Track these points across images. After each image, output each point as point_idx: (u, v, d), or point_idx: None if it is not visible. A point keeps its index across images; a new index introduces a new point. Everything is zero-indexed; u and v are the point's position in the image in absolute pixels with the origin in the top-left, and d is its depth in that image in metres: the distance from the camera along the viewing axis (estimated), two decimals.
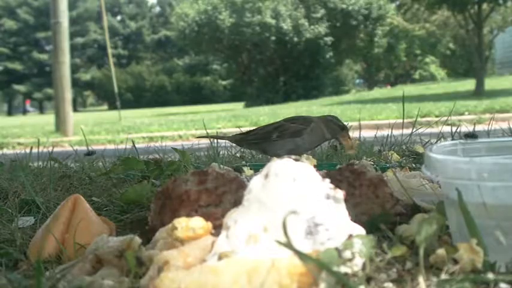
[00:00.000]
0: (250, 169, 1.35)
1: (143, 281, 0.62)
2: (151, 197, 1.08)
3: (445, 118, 2.71)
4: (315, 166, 1.16)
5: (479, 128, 2.15)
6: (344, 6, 22.12)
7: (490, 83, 15.41)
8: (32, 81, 39.89)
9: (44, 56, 39.67)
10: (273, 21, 21.15)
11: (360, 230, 0.65)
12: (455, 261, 0.62)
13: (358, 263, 0.60)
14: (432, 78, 31.02)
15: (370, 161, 1.54)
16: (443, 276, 0.61)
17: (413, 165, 1.48)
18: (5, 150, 5.22)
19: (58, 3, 8.78)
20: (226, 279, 0.55)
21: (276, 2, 21.84)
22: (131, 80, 37.61)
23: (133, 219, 1.04)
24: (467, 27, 14.35)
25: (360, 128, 2.18)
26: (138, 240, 0.69)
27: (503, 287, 0.58)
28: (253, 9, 21.30)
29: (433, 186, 1.00)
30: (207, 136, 1.77)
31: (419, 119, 2.49)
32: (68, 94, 9.10)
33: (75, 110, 22.79)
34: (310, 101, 17.35)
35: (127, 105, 28.94)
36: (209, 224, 0.71)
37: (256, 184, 0.66)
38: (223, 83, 36.90)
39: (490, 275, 0.60)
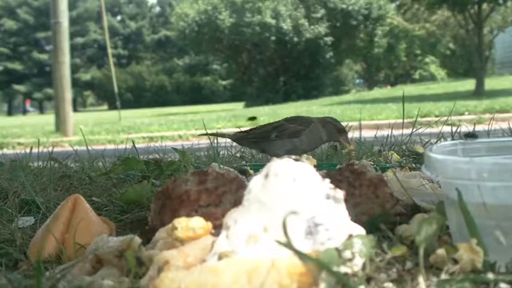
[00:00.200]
0: (250, 169, 1.35)
1: (143, 281, 0.62)
2: (151, 197, 1.08)
3: (445, 118, 2.71)
4: (315, 166, 1.16)
5: (479, 128, 2.15)
6: (344, 6, 22.12)
7: (490, 83, 15.41)
8: (32, 81, 39.89)
9: (44, 56, 39.67)
10: (273, 21, 21.15)
11: (360, 230, 0.65)
12: (455, 261, 0.62)
13: (358, 263, 0.60)
14: (432, 78, 31.03)
15: (370, 161, 1.54)
16: (443, 276, 0.61)
17: (413, 165, 1.48)
18: (5, 150, 5.22)
19: (58, 3, 8.78)
20: (226, 279, 0.55)
21: (276, 2, 21.84)
22: (131, 80, 37.61)
23: (133, 219, 1.04)
24: (467, 27, 14.35)
25: (360, 128, 2.18)
26: (138, 240, 0.69)
27: (503, 287, 0.58)
28: (253, 9, 21.30)
29: (433, 186, 1.00)
30: (208, 134, 1.76)
31: (419, 119, 2.49)
32: (68, 94, 9.10)
33: (75, 110, 22.79)
34: (310, 101, 17.35)
35: (127, 105, 28.93)
36: (209, 224, 0.71)
37: (256, 184, 0.66)
38: (223, 83, 36.90)
39: (490, 275, 0.60)
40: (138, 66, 40.00)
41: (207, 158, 1.80)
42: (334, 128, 1.49)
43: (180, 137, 7.75)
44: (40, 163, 1.80)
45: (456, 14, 14.42)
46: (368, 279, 0.61)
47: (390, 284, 0.61)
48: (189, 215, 0.75)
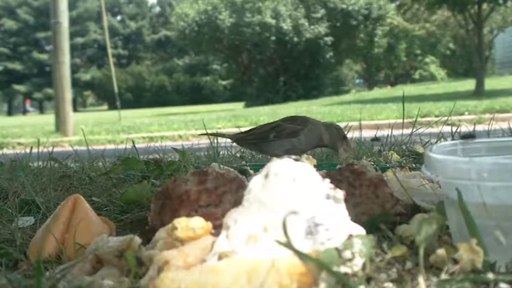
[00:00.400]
0: (250, 169, 1.35)
1: (143, 281, 0.62)
2: (151, 197, 1.08)
3: (445, 118, 2.71)
4: (315, 166, 1.16)
5: (479, 128, 2.15)
6: (344, 6, 22.12)
7: (490, 83, 15.41)
8: (32, 81, 39.89)
9: (44, 56, 39.68)
10: (273, 21, 21.15)
11: (360, 230, 0.65)
12: (455, 261, 0.62)
13: (358, 263, 0.60)
14: (432, 78, 31.03)
15: (370, 161, 1.54)
16: (443, 276, 0.61)
17: (413, 165, 1.48)
18: (5, 150, 5.22)
19: (58, 3, 8.78)
20: (226, 279, 0.55)
21: (276, 2, 21.84)
22: (131, 80, 37.62)
23: (134, 219, 1.04)
24: (467, 27, 14.34)
25: (360, 128, 2.18)
26: (138, 240, 0.69)
27: (503, 287, 0.58)
28: (253, 9, 21.30)
29: (433, 186, 1.00)
30: (208, 134, 1.77)
31: (419, 119, 2.49)
32: (68, 94, 9.10)
33: (75, 110, 22.79)
34: (310, 101, 17.35)
35: (127, 105, 28.95)
36: (209, 224, 0.71)
37: (256, 184, 0.66)
38: (223, 83, 36.90)
39: (490, 275, 0.60)
40: (138, 66, 40.00)
41: (207, 158, 1.80)
42: (337, 133, 1.48)
43: (180, 137, 7.75)
44: (40, 163, 1.80)
45: (456, 14, 14.41)
46: (368, 279, 0.61)
47: (390, 284, 0.61)
48: (189, 215, 0.75)
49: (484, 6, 13.85)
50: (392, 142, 1.94)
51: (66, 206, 0.89)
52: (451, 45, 30.01)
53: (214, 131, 2.98)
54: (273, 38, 21.27)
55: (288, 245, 0.57)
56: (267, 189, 0.65)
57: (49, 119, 13.78)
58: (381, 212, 0.85)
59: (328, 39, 21.79)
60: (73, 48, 28.65)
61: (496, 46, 25.95)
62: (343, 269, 0.58)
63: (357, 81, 34.20)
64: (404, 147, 1.88)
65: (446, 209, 0.72)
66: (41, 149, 1.94)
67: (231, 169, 0.90)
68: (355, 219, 0.72)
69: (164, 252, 0.65)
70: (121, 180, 1.41)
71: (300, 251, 0.57)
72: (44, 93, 39.06)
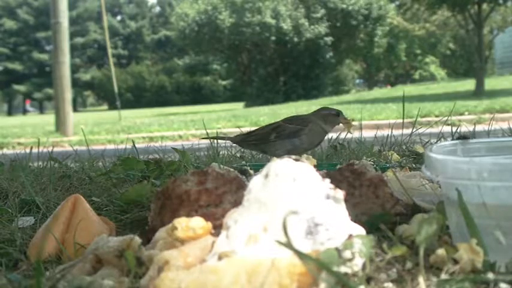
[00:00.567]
0: (250, 169, 1.35)
1: (143, 281, 0.62)
2: (151, 197, 1.08)
3: (445, 118, 2.71)
4: (315, 166, 1.16)
5: (479, 128, 2.15)
6: (344, 6, 22.13)
7: (490, 83, 15.41)
8: (32, 81, 39.91)
9: (44, 56, 39.69)
10: (273, 21, 21.15)
11: (360, 230, 0.65)
12: (455, 261, 0.62)
13: (358, 263, 0.60)
14: (432, 78, 31.05)
15: (370, 161, 1.54)
16: (443, 276, 0.61)
17: (413, 165, 1.48)
18: (5, 150, 5.21)
19: (58, 3, 8.78)
20: (226, 279, 0.55)
21: (276, 2, 21.84)
22: (131, 80, 37.62)
23: (133, 219, 1.04)
24: (467, 27, 14.35)
25: (361, 128, 2.18)
26: (138, 240, 0.69)
27: (503, 287, 0.58)
28: (253, 9, 21.30)
29: (433, 186, 1.00)
30: (210, 137, 1.77)
31: (419, 119, 2.49)
32: (68, 94, 9.10)
33: (75, 110, 22.79)
34: (310, 101, 17.34)
35: (127, 105, 28.97)
36: (209, 224, 0.71)
37: (256, 184, 0.66)
38: (223, 83, 36.92)
39: (490, 275, 0.60)
40: (138, 66, 40.01)
41: (207, 158, 1.80)
42: (330, 115, 1.50)
43: (180, 137, 7.75)
44: (40, 163, 1.80)
45: (456, 14, 14.42)
46: (368, 279, 0.61)
47: (390, 284, 0.61)
48: (189, 215, 0.75)
49: (484, 6, 13.85)
50: (392, 142, 1.94)
51: (66, 206, 0.89)
52: (451, 45, 30.04)
53: (214, 131, 2.99)
54: (273, 38, 21.28)
55: (288, 245, 0.57)
56: (267, 189, 0.65)
57: (49, 119, 13.79)
58: (380, 212, 0.85)
59: (328, 39, 21.80)
60: (73, 48, 28.68)
61: (496, 46, 25.98)
62: (343, 269, 0.58)
63: (357, 81, 34.22)
64: (404, 147, 1.88)
65: (446, 209, 0.72)
66: (41, 149, 1.94)
67: (231, 169, 0.90)
68: (355, 219, 0.72)
69: (164, 252, 0.65)
70: (121, 180, 1.41)
71: (300, 251, 0.57)
72: (44, 93, 39.07)
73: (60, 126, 9.13)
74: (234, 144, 1.79)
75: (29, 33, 39.80)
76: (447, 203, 0.72)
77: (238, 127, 5.91)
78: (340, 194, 0.66)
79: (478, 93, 12.91)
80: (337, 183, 0.81)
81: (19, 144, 7.79)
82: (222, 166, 1.26)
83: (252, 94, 22.31)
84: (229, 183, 0.82)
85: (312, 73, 22.21)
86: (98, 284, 0.63)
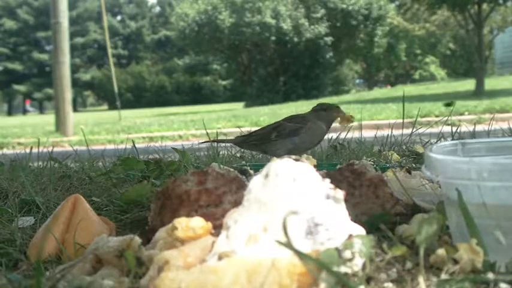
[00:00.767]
0: (250, 169, 1.35)
1: (143, 281, 0.62)
2: (151, 197, 1.08)
3: (445, 118, 2.71)
4: (315, 166, 1.16)
5: (479, 128, 2.15)
6: (344, 6, 22.13)
7: (490, 83, 15.41)
8: (32, 81, 39.91)
9: (44, 56, 39.70)
10: (273, 21, 21.15)
11: (360, 230, 0.65)
12: (455, 261, 0.62)
13: (358, 263, 0.60)
14: (432, 78, 31.05)
15: (370, 161, 1.54)
16: (443, 276, 0.61)
17: (413, 165, 1.48)
18: (5, 150, 5.21)
19: (58, 3, 8.78)
20: (226, 279, 0.55)
21: (276, 2, 21.84)
22: (131, 80, 37.62)
23: (133, 219, 1.04)
24: (467, 27, 14.35)
25: (361, 128, 2.18)
26: (138, 240, 0.69)
27: (503, 287, 0.58)
28: (253, 9, 21.30)
29: (433, 186, 1.00)
30: (211, 141, 1.78)
31: (419, 119, 2.49)
32: (68, 94, 9.10)
33: (75, 110, 22.80)
34: (310, 101, 17.32)
35: (127, 105, 28.98)
36: (209, 224, 0.71)
37: (256, 184, 0.66)
38: (223, 83, 36.91)
39: (490, 275, 0.60)
40: (138, 66, 40.01)
41: (207, 158, 1.80)
42: (322, 111, 1.50)
43: (180, 137, 7.75)
44: (40, 163, 1.80)
45: (456, 14, 14.42)
46: (368, 279, 0.61)
47: (390, 284, 0.61)
48: (189, 215, 0.75)
49: (484, 6, 13.85)
50: (392, 142, 1.94)
51: (66, 206, 0.89)
52: (451, 45, 30.05)
53: (214, 131, 2.98)
54: (273, 38, 21.28)
55: (288, 245, 0.57)
56: (267, 189, 0.65)
57: (49, 119, 13.79)
58: (380, 212, 0.85)
59: (328, 39, 21.80)
60: (73, 48, 28.68)
61: (496, 46, 25.98)
62: (343, 269, 0.58)
63: (357, 81, 34.22)
64: (404, 147, 1.88)
65: (446, 209, 0.72)
66: (41, 149, 1.94)
67: (231, 169, 0.90)
68: (355, 219, 0.72)
69: (164, 252, 0.65)
70: (121, 180, 1.41)
71: (300, 251, 0.57)
72: (44, 93, 39.08)
73: (60, 126, 9.14)
74: (234, 144, 1.79)
75: (29, 33, 39.80)
76: (447, 203, 0.72)
77: (238, 127, 5.92)
78: (340, 194, 0.66)
79: (478, 93, 12.91)
80: (337, 183, 0.81)
81: (19, 144, 7.79)
82: (222, 166, 1.26)
83: (252, 94, 22.31)
84: (229, 183, 0.82)
85: (312, 73, 22.21)
86: (98, 284, 0.63)
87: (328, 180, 0.67)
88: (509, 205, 0.64)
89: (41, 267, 0.65)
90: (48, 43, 37.66)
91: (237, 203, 0.70)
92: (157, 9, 49.48)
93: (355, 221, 0.67)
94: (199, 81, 38.19)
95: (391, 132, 1.98)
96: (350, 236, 0.62)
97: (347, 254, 0.59)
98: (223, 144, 1.99)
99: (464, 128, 2.14)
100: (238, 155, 1.94)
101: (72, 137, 8.41)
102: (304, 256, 0.56)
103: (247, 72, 23.13)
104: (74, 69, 29.80)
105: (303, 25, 21.39)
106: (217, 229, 0.71)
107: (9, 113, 43.50)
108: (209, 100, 34.37)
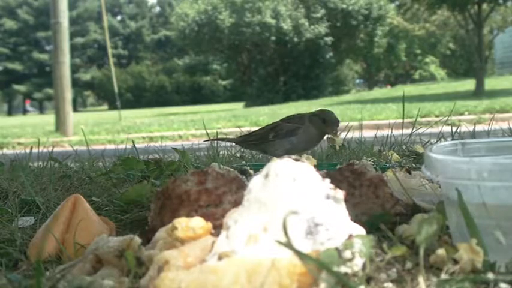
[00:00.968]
0: (250, 169, 1.35)
1: (143, 281, 0.62)
2: (151, 197, 1.08)
3: (445, 118, 2.71)
4: (315, 166, 1.16)
5: (479, 128, 2.15)
6: (344, 6, 22.12)
7: (490, 83, 15.41)
8: (32, 81, 39.91)
9: (44, 56, 39.70)
10: (273, 21, 21.15)
11: (360, 230, 0.65)
12: (455, 261, 0.62)
13: (358, 263, 0.60)
14: (432, 78, 31.04)
15: (370, 161, 1.54)
16: (443, 276, 0.61)
17: (413, 165, 1.48)
18: (5, 150, 5.21)
19: (58, 3, 8.78)
20: (226, 279, 0.55)
21: (276, 2, 21.84)
22: (131, 80, 37.61)
23: (133, 219, 1.04)
24: (467, 27, 14.34)
25: (361, 128, 2.18)
26: (138, 240, 0.69)
27: (503, 287, 0.58)
28: (253, 9, 21.30)
29: (433, 186, 1.00)
30: (211, 139, 1.78)
31: (419, 119, 2.49)
32: (68, 94, 9.10)
33: (75, 110, 22.79)
34: (310, 101, 17.34)
35: (127, 105, 28.98)
36: (209, 224, 0.71)
37: (256, 184, 0.66)
38: (223, 83, 36.91)
39: (490, 275, 0.60)
40: (138, 66, 40.00)
41: (207, 158, 1.80)
42: (318, 120, 1.47)
43: (180, 137, 7.75)
44: (40, 163, 1.80)
45: (456, 14, 14.41)
46: (368, 279, 0.61)
47: (390, 284, 0.61)
48: (189, 215, 0.75)
49: (484, 6, 13.85)
50: (392, 142, 1.94)
51: (66, 206, 0.89)
52: (451, 45, 30.05)
53: (214, 131, 2.99)
54: (273, 38, 21.27)
55: (288, 245, 0.57)
56: (267, 189, 0.65)
57: (49, 119, 13.79)
58: (380, 212, 0.85)
59: (328, 39, 21.80)
60: (73, 48, 28.68)
61: (496, 46, 25.98)
62: (343, 269, 0.58)
63: (357, 81, 34.21)
64: (404, 147, 1.88)
65: (446, 209, 0.72)
66: (41, 149, 1.94)
67: (231, 169, 0.90)
68: (355, 219, 0.72)
69: (164, 252, 0.65)
70: (121, 180, 1.41)
71: (300, 251, 0.57)
72: (44, 93, 39.07)
73: (60, 126, 9.14)
74: (234, 144, 1.79)
75: (29, 33, 39.80)
76: (447, 203, 0.72)
77: (238, 127, 5.92)
78: (340, 194, 0.66)
79: (478, 93, 12.91)
80: (337, 183, 0.81)
81: (19, 144, 7.79)
82: (222, 166, 1.26)
83: (252, 94, 22.30)
84: (229, 183, 0.82)
85: (312, 73, 22.20)
86: (98, 284, 0.63)
87: (328, 180, 0.67)
88: (509, 205, 0.64)
89: (41, 267, 0.65)
90: (48, 43, 37.67)
91: (237, 203, 0.70)
92: (157, 9, 49.51)
93: (355, 221, 0.67)
94: (199, 81, 38.18)
95: (391, 132, 1.97)
96: (350, 236, 0.62)
97: (347, 254, 0.59)
98: (223, 144, 1.99)
99: (464, 128, 2.14)
100: (238, 155, 1.94)
101: (72, 137, 8.41)
102: (304, 256, 0.56)
103: (247, 72, 23.12)
104: (74, 69, 29.80)
105: (303, 25, 21.39)
106: (217, 229, 0.71)
107: (9, 113, 43.50)
108: (209, 100, 34.36)
